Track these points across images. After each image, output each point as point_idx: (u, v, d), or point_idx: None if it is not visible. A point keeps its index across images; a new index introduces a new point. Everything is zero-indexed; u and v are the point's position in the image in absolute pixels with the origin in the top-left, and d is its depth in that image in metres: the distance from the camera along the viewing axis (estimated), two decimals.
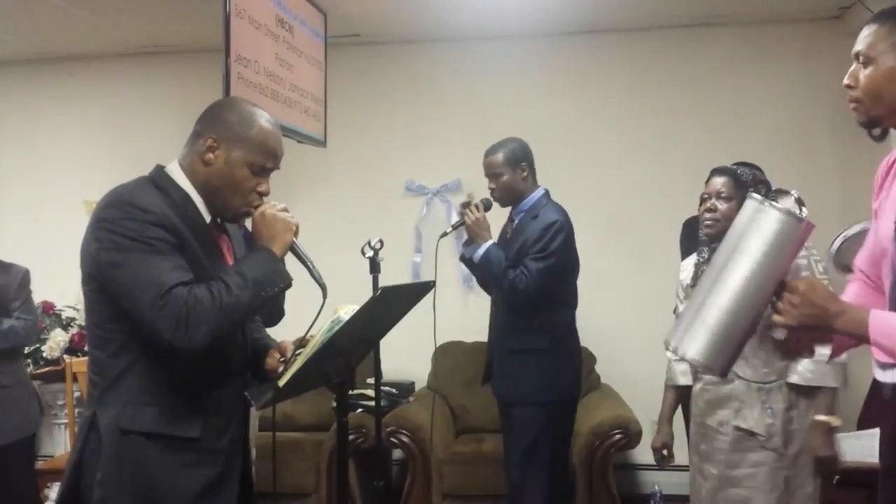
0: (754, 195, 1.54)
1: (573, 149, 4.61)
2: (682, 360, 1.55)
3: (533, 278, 2.91)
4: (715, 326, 1.49)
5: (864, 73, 1.53)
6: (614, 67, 4.63)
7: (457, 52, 4.73)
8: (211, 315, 1.55)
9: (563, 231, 2.97)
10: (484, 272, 3.09)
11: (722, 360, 1.52)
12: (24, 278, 3.38)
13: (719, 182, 2.45)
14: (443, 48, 4.74)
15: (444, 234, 3.23)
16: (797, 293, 1.45)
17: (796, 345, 1.64)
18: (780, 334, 1.59)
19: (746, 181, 2.37)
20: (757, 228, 1.49)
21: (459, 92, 4.73)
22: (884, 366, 1.46)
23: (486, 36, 4.65)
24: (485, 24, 4.47)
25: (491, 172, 3.09)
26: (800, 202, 1.57)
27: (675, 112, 4.54)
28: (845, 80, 1.56)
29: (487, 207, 3.14)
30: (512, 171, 3.05)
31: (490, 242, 3.06)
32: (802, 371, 2.30)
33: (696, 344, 1.50)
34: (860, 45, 1.53)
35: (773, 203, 1.50)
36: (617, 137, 4.60)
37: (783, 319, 1.47)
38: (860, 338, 1.47)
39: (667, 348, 1.58)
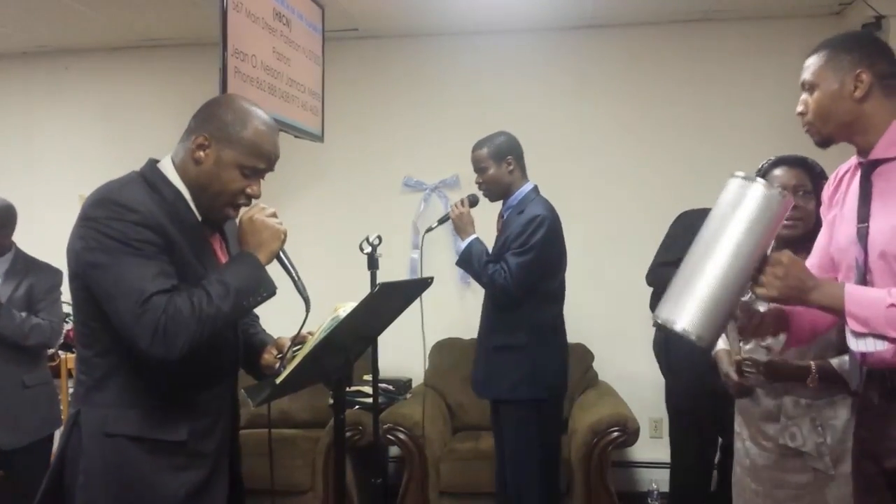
0: (737, 173, 1.61)
1: (572, 144, 4.59)
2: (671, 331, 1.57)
3: (511, 273, 2.92)
4: (705, 298, 1.54)
5: (811, 99, 1.70)
6: (613, 63, 4.61)
7: (455, 46, 4.71)
8: (190, 326, 1.51)
9: (544, 226, 2.93)
10: (466, 267, 3.10)
11: (711, 331, 1.56)
12: (54, 280, 3.36)
13: (795, 175, 2.21)
14: (441, 43, 4.71)
15: (430, 229, 3.26)
16: (781, 265, 1.55)
17: (758, 326, 1.77)
18: (763, 307, 1.68)
19: (819, 171, 2.19)
20: (741, 203, 1.55)
21: (458, 87, 4.70)
22: (857, 335, 1.56)
23: (484, 30, 4.63)
24: (483, 18, 4.45)
25: (477, 167, 3.10)
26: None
27: (674, 107, 4.53)
28: (798, 109, 1.73)
29: (473, 203, 3.16)
30: (497, 165, 3.05)
31: (472, 237, 3.08)
32: (848, 359, 2.04)
33: (686, 316, 1.55)
34: (805, 74, 1.71)
35: (758, 179, 1.58)
36: (616, 133, 4.58)
37: (766, 292, 1.57)
38: (833, 310, 1.59)
39: (656, 321, 1.61)
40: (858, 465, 1.78)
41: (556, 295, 3.06)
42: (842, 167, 1.82)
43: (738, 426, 2.35)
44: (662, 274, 3.27)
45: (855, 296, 1.56)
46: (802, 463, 2.14)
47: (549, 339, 3.01)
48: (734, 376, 2.22)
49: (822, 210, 1.86)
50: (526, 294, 2.95)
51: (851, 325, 1.55)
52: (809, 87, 1.70)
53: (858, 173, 1.72)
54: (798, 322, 1.80)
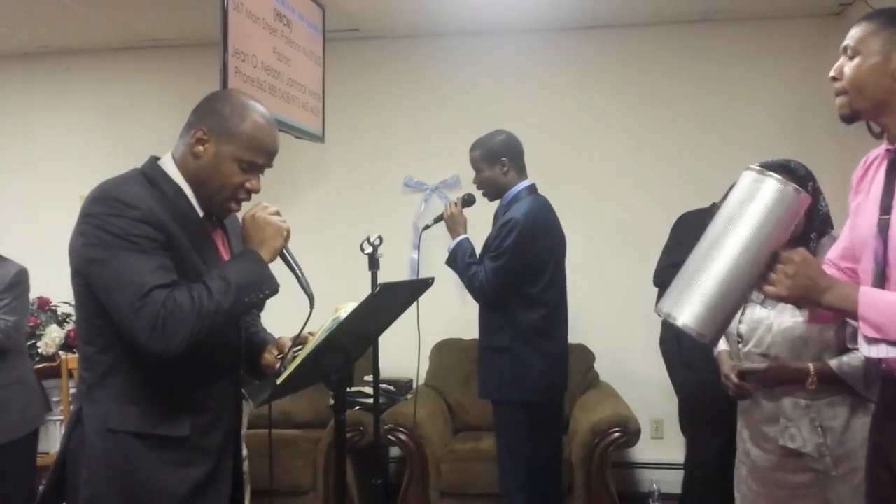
0: (752, 166, 1.55)
1: (572, 145, 4.60)
2: (673, 326, 1.53)
3: (487, 277, 2.92)
4: (709, 294, 1.49)
5: (849, 66, 1.60)
6: (613, 63, 4.61)
7: (456, 47, 4.71)
8: (189, 321, 1.51)
9: (515, 230, 2.88)
10: (452, 266, 3.11)
11: (714, 328, 1.51)
12: (16, 277, 3.21)
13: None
14: (441, 43, 4.72)
15: (427, 227, 3.31)
16: (793, 264, 1.49)
17: None
18: (769, 303, 1.64)
19: (803, 174, 2.17)
20: (755, 197, 1.50)
21: (458, 87, 4.71)
22: (870, 340, 1.49)
23: (484, 31, 4.63)
24: (483, 19, 4.45)
25: (473, 167, 3.10)
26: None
27: (674, 108, 4.53)
28: (831, 73, 1.64)
29: (468, 203, 3.17)
30: (490, 166, 3.03)
31: (462, 237, 3.08)
32: (847, 360, 2.05)
33: (689, 311, 1.50)
34: (849, 39, 1.62)
35: (772, 173, 1.51)
36: (616, 133, 4.59)
37: (775, 290, 1.50)
38: (846, 313, 1.52)
39: (658, 314, 1.58)
40: (872, 472, 1.72)
41: (542, 298, 2.98)
42: (872, 152, 1.73)
43: (740, 427, 2.35)
44: (671, 275, 3.25)
45: (869, 299, 1.48)
46: (803, 464, 2.13)
47: (534, 341, 2.96)
48: (734, 378, 2.20)
49: (850, 196, 1.78)
50: (502, 297, 2.94)
51: (864, 329, 1.48)
52: (852, 53, 1.61)
53: (886, 161, 1.64)
54: None
